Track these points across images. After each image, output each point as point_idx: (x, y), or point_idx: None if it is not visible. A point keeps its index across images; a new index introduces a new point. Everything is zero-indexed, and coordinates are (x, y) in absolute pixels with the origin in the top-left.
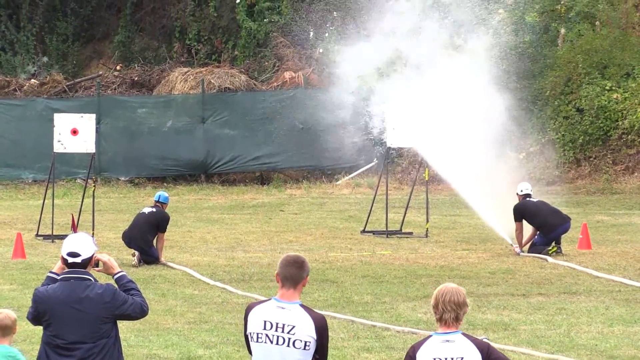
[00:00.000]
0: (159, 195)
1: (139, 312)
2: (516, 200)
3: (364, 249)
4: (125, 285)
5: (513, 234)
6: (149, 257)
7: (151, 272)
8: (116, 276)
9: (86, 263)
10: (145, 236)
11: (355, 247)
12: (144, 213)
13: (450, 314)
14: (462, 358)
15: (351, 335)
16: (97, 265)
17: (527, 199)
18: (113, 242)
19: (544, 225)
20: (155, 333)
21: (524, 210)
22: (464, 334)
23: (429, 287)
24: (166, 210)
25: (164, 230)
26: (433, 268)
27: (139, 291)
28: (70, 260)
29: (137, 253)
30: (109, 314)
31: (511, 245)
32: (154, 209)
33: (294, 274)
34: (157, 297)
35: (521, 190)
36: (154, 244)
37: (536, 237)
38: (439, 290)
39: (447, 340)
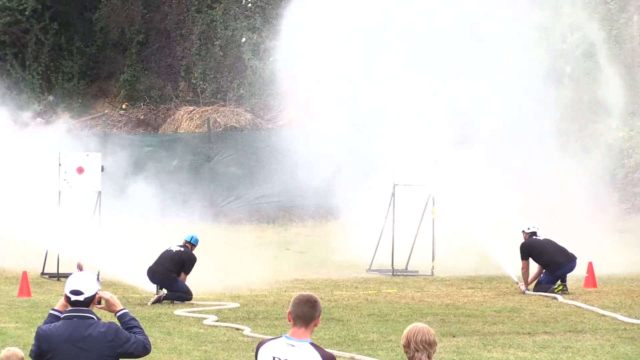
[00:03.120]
0: (191, 237)
1: (142, 350)
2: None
3: (370, 287)
4: (128, 323)
5: (519, 272)
6: (175, 292)
7: (157, 311)
8: (119, 314)
9: (89, 301)
10: (167, 273)
11: (361, 286)
12: (170, 250)
13: (422, 353)
14: None
15: None
16: (99, 302)
17: (534, 237)
18: (117, 281)
19: (550, 264)
20: None
21: (530, 249)
22: None
23: (435, 325)
24: (194, 252)
25: (188, 271)
26: (439, 307)
27: (141, 329)
28: (74, 298)
29: (161, 291)
30: (112, 353)
31: (516, 283)
32: (182, 249)
33: (306, 313)
34: (163, 335)
35: (528, 228)
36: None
37: (542, 275)
38: (409, 330)
39: None
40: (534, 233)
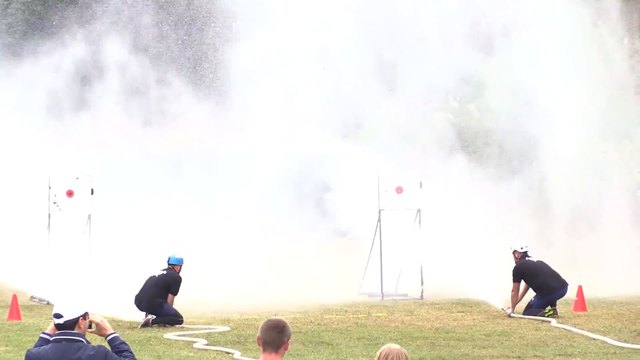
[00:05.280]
0: (169, 258)
1: None
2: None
3: (359, 310)
4: (118, 347)
5: (504, 296)
6: (164, 317)
7: (146, 334)
8: (109, 337)
9: (72, 324)
10: (152, 299)
11: (351, 309)
12: (154, 276)
13: None
14: None
15: None
16: (90, 326)
17: (527, 258)
18: (110, 301)
19: (543, 287)
20: None
21: (525, 270)
22: None
23: (425, 349)
24: (179, 272)
25: (175, 292)
26: (429, 330)
27: (131, 353)
28: (55, 321)
29: (149, 316)
30: None
31: (502, 309)
32: (165, 271)
33: (274, 338)
34: (153, 359)
35: (521, 248)
36: (166, 302)
37: (533, 299)
38: (382, 351)
39: None
40: (526, 253)
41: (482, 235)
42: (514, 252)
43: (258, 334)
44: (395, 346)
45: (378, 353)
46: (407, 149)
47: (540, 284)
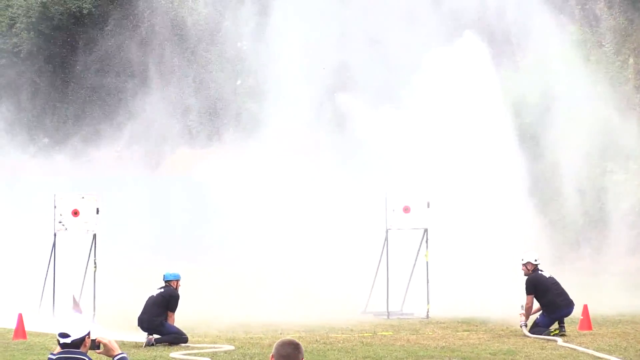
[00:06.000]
0: (164, 275)
1: None
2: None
3: (365, 329)
4: None
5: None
6: (166, 335)
7: (152, 353)
8: (116, 358)
9: (77, 343)
10: (152, 319)
11: (356, 328)
12: (152, 296)
13: None
14: None
15: None
16: (98, 347)
17: (539, 271)
18: (115, 321)
19: (550, 305)
20: None
21: (537, 284)
22: None
23: None
24: (177, 288)
25: (172, 309)
26: (434, 349)
27: None
28: (62, 340)
29: (151, 336)
30: None
31: (520, 314)
32: (162, 289)
33: (290, 353)
34: None
35: (535, 260)
36: (166, 321)
37: (539, 316)
38: None
39: None
40: (537, 267)
41: (490, 252)
42: (527, 263)
43: (272, 353)
44: None
45: None
46: (415, 168)
47: (548, 301)
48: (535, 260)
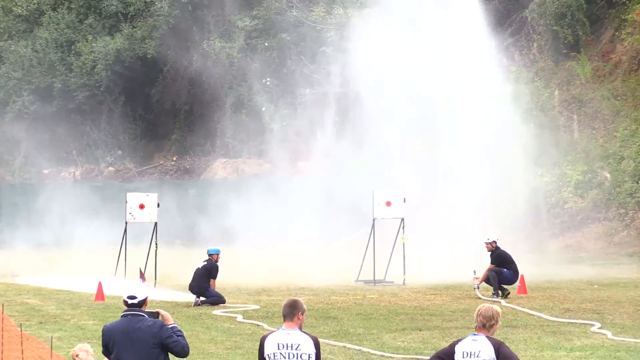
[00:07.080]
0: (208, 250)
1: (180, 349)
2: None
3: (357, 293)
4: (176, 332)
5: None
6: (209, 297)
7: (199, 311)
8: (170, 326)
9: (141, 303)
10: (200, 284)
11: (351, 292)
12: (198, 267)
13: (480, 323)
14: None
15: (347, 358)
16: (157, 316)
17: (499, 248)
18: (172, 287)
19: (515, 273)
20: (201, 356)
21: (505, 257)
22: (487, 337)
23: (406, 322)
24: (217, 261)
25: (214, 277)
26: (409, 308)
27: (183, 337)
28: (130, 301)
29: (199, 298)
30: (157, 341)
31: (474, 278)
32: (206, 262)
33: (289, 311)
34: (203, 329)
35: (497, 239)
36: (210, 286)
37: (506, 270)
38: (478, 308)
39: (474, 340)
40: (497, 244)
41: (452, 234)
42: (492, 242)
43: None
44: (488, 305)
45: (477, 310)
46: (396, 170)
47: (514, 269)
48: (498, 240)
